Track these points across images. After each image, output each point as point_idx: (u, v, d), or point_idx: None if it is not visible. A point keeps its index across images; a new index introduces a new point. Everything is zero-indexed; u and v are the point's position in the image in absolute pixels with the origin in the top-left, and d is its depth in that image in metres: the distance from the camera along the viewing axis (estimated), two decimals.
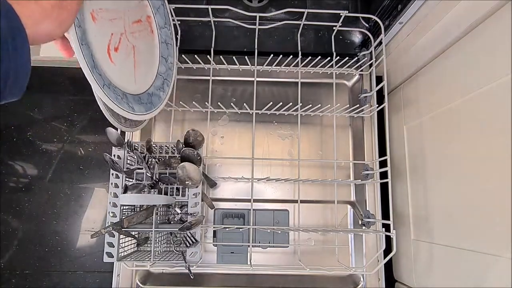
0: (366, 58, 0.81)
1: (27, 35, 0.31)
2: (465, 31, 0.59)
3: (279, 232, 0.76)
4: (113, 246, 0.57)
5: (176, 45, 0.76)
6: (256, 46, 0.77)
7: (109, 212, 0.58)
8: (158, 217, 0.65)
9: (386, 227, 0.67)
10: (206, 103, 0.74)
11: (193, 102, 0.72)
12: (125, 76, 0.51)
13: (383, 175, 0.69)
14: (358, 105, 0.77)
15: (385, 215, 0.72)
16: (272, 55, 0.72)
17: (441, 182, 0.65)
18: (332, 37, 0.80)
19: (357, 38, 0.84)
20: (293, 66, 0.79)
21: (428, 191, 0.69)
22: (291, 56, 0.74)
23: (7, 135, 0.93)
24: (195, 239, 0.61)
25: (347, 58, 0.76)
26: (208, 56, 0.76)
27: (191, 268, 0.63)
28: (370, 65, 0.79)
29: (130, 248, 0.65)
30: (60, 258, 0.89)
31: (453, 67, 0.62)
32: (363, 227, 0.77)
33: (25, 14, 0.31)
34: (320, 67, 0.78)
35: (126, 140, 0.61)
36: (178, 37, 0.77)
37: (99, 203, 0.92)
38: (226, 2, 0.72)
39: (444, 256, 0.63)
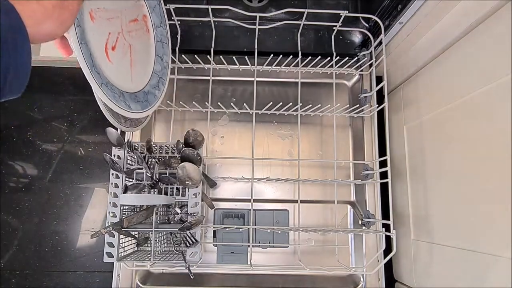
0: (366, 58, 0.81)
1: (29, 34, 0.31)
2: (465, 31, 0.59)
3: (279, 232, 0.76)
4: (113, 246, 0.57)
5: (177, 45, 0.77)
6: (256, 46, 0.77)
7: (109, 212, 0.58)
8: (158, 217, 0.65)
9: (386, 227, 0.68)
10: (206, 103, 0.74)
11: (193, 102, 0.72)
12: (122, 74, 0.52)
13: (383, 175, 0.69)
14: (358, 105, 0.77)
15: (385, 215, 0.72)
16: (272, 55, 0.72)
17: (441, 182, 0.65)
18: (332, 37, 0.80)
19: (357, 38, 0.84)
20: (293, 66, 0.79)
21: (428, 191, 0.69)
22: (291, 56, 0.74)
23: (7, 135, 0.93)
24: (195, 239, 0.61)
25: (347, 58, 0.76)
26: (208, 56, 0.76)
27: (191, 268, 0.63)
28: (370, 65, 0.79)
29: (130, 248, 0.65)
30: (60, 258, 0.89)
31: (453, 67, 0.62)
32: (363, 227, 0.77)
33: (27, 14, 0.32)
34: (320, 67, 0.78)
35: (126, 140, 0.61)
36: (178, 37, 0.77)
37: (99, 203, 0.92)
38: (226, 2, 0.72)
39: (444, 256, 0.63)
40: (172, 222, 0.65)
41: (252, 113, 0.74)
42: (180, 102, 0.75)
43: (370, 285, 0.76)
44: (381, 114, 0.74)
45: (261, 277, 0.78)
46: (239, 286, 0.77)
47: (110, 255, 0.57)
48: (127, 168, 0.61)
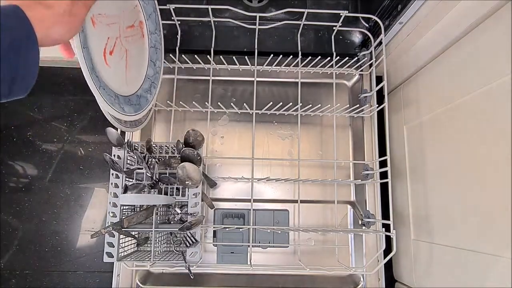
0: (366, 58, 0.81)
1: (38, 38, 0.33)
2: (465, 31, 0.59)
3: (279, 232, 0.76)
4: (113, 246, 0.57)
5: (177, 45, 0.77)
6: (256, 46, 0.77)
7: (109, 212, 0.58)
8: (158, 217, 0.65)
9: (386, 227, 0.67)
10: (206, 103, 0.74)
11: (193, 102, 0.72)
12: (118, 78, 0.53)
13: (383, 175, 0.69)
14: (358, 105, 0.77)
15: (385, 215, 0.72)
16: (272, 55, 0.72)
17: (441, 182, 0.65)
18: (332, 37, 0.80)
19: (357, 38, 0.84)
20: (293, 66, 0.79)
21: (428, 191, 0.69)
22: (291, 56, 0.74)
23: (7, 135, 0.93)
24: (195, 239, 0.61)
25: (347, 58, 0.76)
26: (208, 56, 0.76)
27: (191, 268, 0.63)
28: (370, 65, 0.79)
29: (130, 248, 0.65)
30: (60, 258, 0.89)
31: (453, 67, 0.62)
32: (363, 227, 0.77)
33: (37, 18, 0.33)
34: (320, 67, 0.78)
35: (126, 140, 0.61)
36: (178, 37, 0.77)
37: (99, 203, 0.92)
38: (226, 2, 0.72)
39: (444, 256, 0.63)
40: (172, 222, 0.65)
41: (252, 113, 0.74)
42: (180, 102, 0.75)
43: (370, 285, 0.76)
44: (381, 114, 0.74)
45: (261, 277, 0.78)
46: (239, 286, 0.77)
47: (110, 255, 0.57)
48: (127, 168, 0.61)
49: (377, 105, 0.74)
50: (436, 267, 0.65)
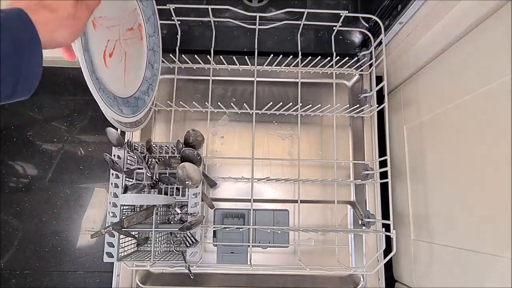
0: (366, 58, 0.81)
1: (41, 41, 0.34)
2: (465, 31, 0.59)
3: (279, 232, 0.76)
4: (113, 246, 0.57)
5: (177, 45, 0.77)
6: (256, 46, 0.77)
7: (109, 212, 0.58)
8: (158, 217, 0.65)
9: (386, 227, 0.67)
10: (206, 103, 0.74)
11: (193, 102, 0.72)
12: (117, 80, 0.54)
13: (383, 175, 0.69)
14: (358, 105, 0.77)
15: (385, 215, 0.72)
16: (272, 55, 0.72)
17: (441, 182, 0.65)
18: (332, 37, 0.80)
19: (357, 38, 0.84)
20: (293, 66, 0.79)
21: (428, 191, 0.69)
22: (291, 56, 0.74)
23: (7, 135, 0.93)
24: (195, 239, 0.61)
25: (347, 58, 0.76)
26: (208, 56, 0.76)
27: (191, 268, 0.63)
28: (370, 65, 0.79)
29: (130, 248, 0.65)
30: (60, 258, 0.89)
31: (453, 67, 0.62)
32: (363, 227, 0.77)
33: (41, 21, 0.34)
34: (320, 67, 0.78)
35: (126, 140, 0.61)
36: (178, 37, 0.77)
37: (99, 203, 0.92)
38: (226, 2, 0.72)
39: (444, 256, 0.63)
40: (172, 222, 0.65)
41: (252, 113, 0.74)
42: (180, 102, 0.75)
43: (370, 285, 0.76)
44: (381, 114, 0.74)
45: (261, 277, 0.78)
46: (239, 286, 0.77)
47: (110, 255, 0.57)
48: (127, 168, 0.61)
49: (377, 105, 0.74)
50: (436, 267, 0.65)
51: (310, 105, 0.74)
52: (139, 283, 0.74)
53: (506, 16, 0.49)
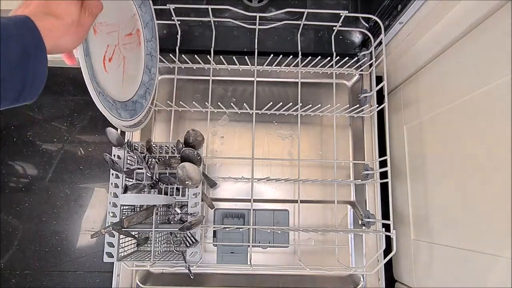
0: (366, 58, 0.81)
1: (46, 47, 0.35)
2: (465, 31, 0.59)
3: (279, 232, 0.76)
4: (113, 246, 0.57)
5: (177, 45, 0.77)
6: (256, 46, 0.77)
7: (109, 212, 0.58)
8: (158, 217, 0.65)
9: (386, 227, 0.67)
10: (206, 103, 0.74)
11: (193, 102, 0.72)
12: (115, 84, 0.54)
13: (383, 175, 0.69)
14: (358, 105, 0.77)
15: (385, 215, 0.72)
16: (272, 55, 0.72)
17: (441, 182, 0.65)
18: (332, 37, 0.80)
19: (357, 38, 0.84)
20: (293, 66, 0.79)
21: (428, 191, 0.69)
22: (291, 56, 0.74)
23: (7, 135, 0.93)
24: (195, 239, 0.61)
25: (347, 58, 0.76)
26: (208, 56, 0.76)
27: (191, 268, 0.63)
28: (370, 65, 0.79)
29: (130, 248, 0.65)
30: (60, 258, 0.89)
31: (453, 67, 0.62)
32: (363, 227, 0.77)
33: (47, 28, 0.35)
34: (320, 67, 0.78)
35: (126, 140, 0.61)
36: (178, 37, 0.77)
37: (99, 203, 0.92)
38: (226, 2, 0.72)
39: (444, 256, 0.63)
40: (172, 222, 0.65)
41: (252, 113, 0.74)
42: (180, 102, 0.75)
43: (370, 285, 0.76)
44: (381, 114, 0.74)
45: (261, 277, 0.78)
46: (239, 286, 0.77)
47: (110, 255, 0.57)
48: (127, 168, 0.61)
49: (377, 105, 0.74)
50: (436, 267, 0.65)
51: (310, 105, 0.74)
52: (139, 283, 0.74)
53: (506, 16, 0.49)
